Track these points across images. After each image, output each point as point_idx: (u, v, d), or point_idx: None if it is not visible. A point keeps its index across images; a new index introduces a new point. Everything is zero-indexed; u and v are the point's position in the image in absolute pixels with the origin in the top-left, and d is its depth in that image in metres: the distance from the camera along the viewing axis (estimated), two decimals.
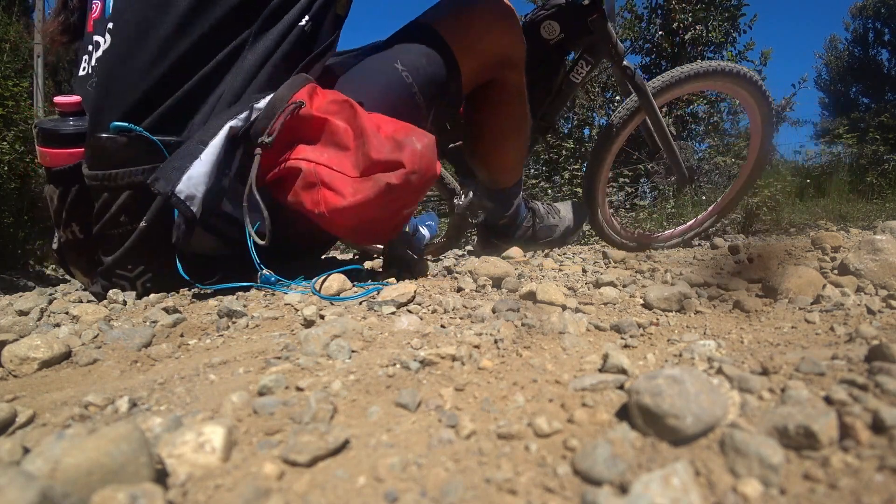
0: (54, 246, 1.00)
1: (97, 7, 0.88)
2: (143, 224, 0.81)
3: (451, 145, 1.41)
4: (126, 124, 0.78)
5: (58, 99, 0.84)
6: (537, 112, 1.43)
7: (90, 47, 0.87)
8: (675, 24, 4.50)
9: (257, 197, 0.78)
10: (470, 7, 1.02)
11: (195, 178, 0.75)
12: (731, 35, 4.57)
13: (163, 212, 0.80)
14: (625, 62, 1.42)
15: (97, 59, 0.85)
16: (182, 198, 0.75)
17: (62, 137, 0.83)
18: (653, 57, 4.88)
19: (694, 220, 1.83)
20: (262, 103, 0.81)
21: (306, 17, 0.85)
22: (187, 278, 0.80)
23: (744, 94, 1.57)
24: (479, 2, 1.03)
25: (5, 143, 2.28)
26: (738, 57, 4.62)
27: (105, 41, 0.84)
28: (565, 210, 1.48)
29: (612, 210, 1.87)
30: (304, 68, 0.87)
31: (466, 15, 1.02)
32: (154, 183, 0.75)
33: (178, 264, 0.80)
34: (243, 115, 0.80)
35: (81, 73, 0.90)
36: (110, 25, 0.84)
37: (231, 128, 0.78)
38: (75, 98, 0.84)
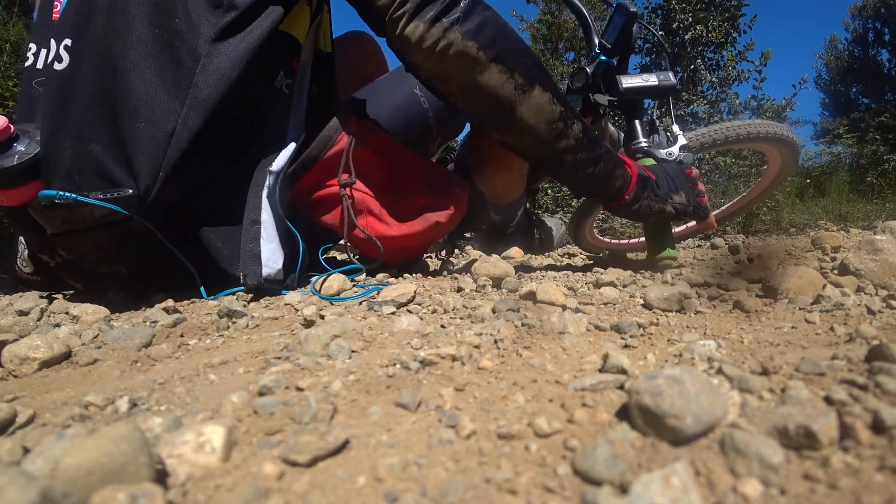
0: (25, 269, 0.92)
1: (57, 6, 0.77)
2: (123, 271, 0.80)
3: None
4: (56, 192, 0.67)
5: None
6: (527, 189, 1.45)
7: (51, 42, 0.76)
8: (675, 24, 4.50)
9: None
10: None
11: (271, 256, 0.79)
12: (731, 35, 4.56)
13: (143, 253, 0.77)
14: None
15: (54, 75, 0.75)
16: (272, 279, 0.79)
17: (14, 175, 0.70)
18: (653, 57, 4.88)
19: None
20: (287, 153, 0.82)
21: (281, 73, 0.81)
22: (206, 296, 0.81)
23: (774, 152, 1.49)
24: None
25: None
26: (738, 57, 4.61)
27: (63, 59, 0.75)
28: (554, 225, 1.59)
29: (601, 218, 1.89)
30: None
31: None
32: (245, 280, 0.77)
33: (203, 289, 0.81)
34: (283, 161, 0.81)
35: (27, 63, 0.77)
36: (67, 42, 0.74)
37: (268, 187, 0.80)
38: (1, 121, 0.69)
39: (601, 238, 1.76)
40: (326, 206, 0.90)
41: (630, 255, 1.51)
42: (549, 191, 3.53)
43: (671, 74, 1.10)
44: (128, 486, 0.25)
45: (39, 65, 0.77)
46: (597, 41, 1.19)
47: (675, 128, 1.12)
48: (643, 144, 1.08)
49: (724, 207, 1.83)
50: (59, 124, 0.73)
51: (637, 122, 1.11)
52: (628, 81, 1.08)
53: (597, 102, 1.17)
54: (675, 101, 1.14)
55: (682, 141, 1.09)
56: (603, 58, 1.16)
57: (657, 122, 1.16)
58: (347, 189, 0.87)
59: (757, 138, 1.40)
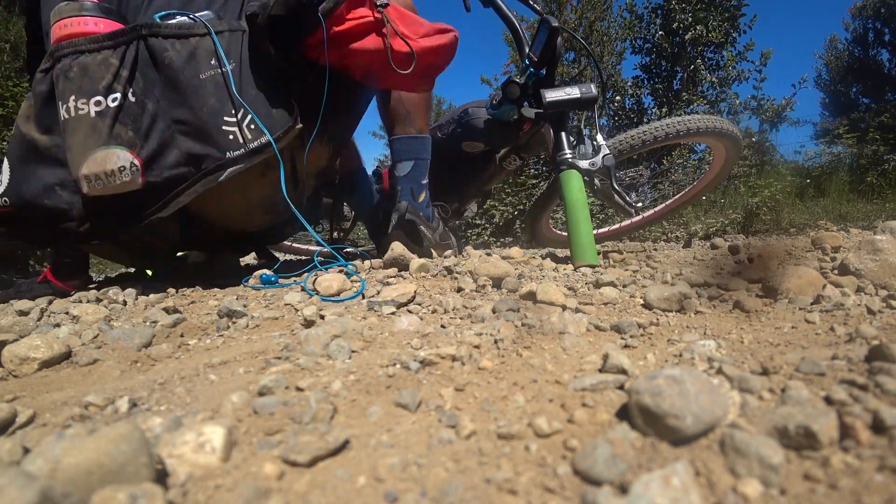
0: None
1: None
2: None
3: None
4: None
5: None
6: (478, 191, 1.50)
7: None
8: (675, 24, 4.50)
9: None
10: None
11: None
12: (731, 35, 4.57)
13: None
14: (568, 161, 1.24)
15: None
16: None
17: None
18: (653, 57, 4.88)
19: (628, 223, 1.90)
20: None
21: None
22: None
23: (717, 145, 1.56)
24: None
25: (5, 143, 2.28)
26: (738, 57, 4.61)
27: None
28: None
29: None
30: None
31: None
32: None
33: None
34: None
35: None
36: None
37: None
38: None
39: (557, 231, 1.82)
40: (360, 34, 0.98)
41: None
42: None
43: (593, 86, 1.13)
44: (128, 486, 0.25)
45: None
46: (527, 52, 1.21)
47: (599, 137, 1.15)
48: (567, 155, 1.11)
49: (673, 199, 1.89)
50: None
51: (563, 133, 1.13)
52: (551, 95, 1.11)
53: (526, 115, 1.19)
54: (599, 111, 1.18)
55: (604, 151, 1.12)
56: (532, 70, 1.19)
57: (584, 131, 1.20)
58: (385, 8, 0.98)
59: (688, 134, 1.45)
